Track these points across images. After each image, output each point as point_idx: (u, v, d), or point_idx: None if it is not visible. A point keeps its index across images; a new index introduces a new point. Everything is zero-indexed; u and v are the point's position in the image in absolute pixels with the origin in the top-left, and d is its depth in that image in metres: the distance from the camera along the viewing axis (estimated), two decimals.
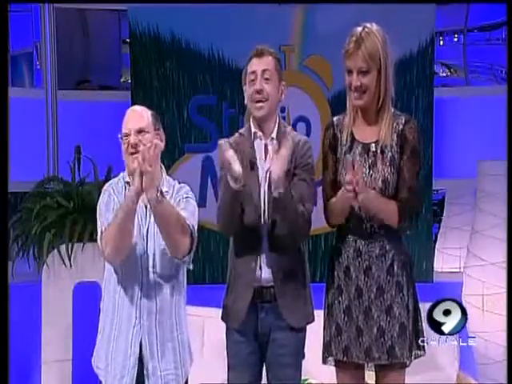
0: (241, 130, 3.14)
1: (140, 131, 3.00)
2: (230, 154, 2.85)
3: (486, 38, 6.00)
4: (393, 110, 2.98)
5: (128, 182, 3.04)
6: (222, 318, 3.13)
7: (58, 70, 5.14)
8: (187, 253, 2.96)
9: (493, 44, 5.95)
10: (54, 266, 4.42)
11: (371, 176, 2.94)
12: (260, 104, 2.99)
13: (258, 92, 2.98)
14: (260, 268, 3.01)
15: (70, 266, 4.38)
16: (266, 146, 3.00)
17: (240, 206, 2.97)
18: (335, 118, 3.06)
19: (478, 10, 5.69)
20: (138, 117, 3.04)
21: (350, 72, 2.93)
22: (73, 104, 5.14)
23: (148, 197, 2.84)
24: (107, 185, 3.11)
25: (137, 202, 2.86)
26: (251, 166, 2.99)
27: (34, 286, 4.57)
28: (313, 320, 3.11)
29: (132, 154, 2.98)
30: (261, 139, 3.04)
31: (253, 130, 3.06)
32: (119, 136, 3.03)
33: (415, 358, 3.00)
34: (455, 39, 5.88)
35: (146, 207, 2.99)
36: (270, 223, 3.00)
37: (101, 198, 3.08)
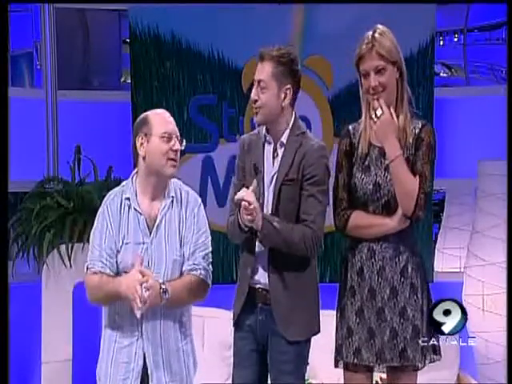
0: (258, 128, 3.13)
1: (177, 138, 2.93)
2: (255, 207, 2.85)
3: (486, 38, 5.98)
4: (410, 115, 2.97)
5: (128, 198, 2.91)
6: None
7: (58, 70, 5.13)
8: None
9: (493, 44, 5.94)
10: (54, 266, 4.43)
11: (386, 178, 2.93)
12: (256, 111, 3.02)
13: (253, 102, 3.02)
14: (257, 270, 2.98)
15: (70, 266, 4.38)
16: (274, 150, 3.02)
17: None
18: (351, 126, 3.04)
19: (478, 10, 5.68)
20: (173, 122, 2.96)
21: (366, 75, 2.91)
22: (73, 104, 5.13)
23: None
24: (105, 200, 2.97)
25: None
26: (255, 170, 2.99)
27: (34, 286, 4.57)
28: (317, 332, 3.05)
29: (172, 159, 2.90)
30: (269, 143, 3.06)
31: (263, 132, 3.08)
32: (163, 134, 2.88)
33: (430, 362, 2.97)
34: (455, 39, 5.87)
35: (146, 220, 2.91)
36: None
37: (96, 219, 2.95)
